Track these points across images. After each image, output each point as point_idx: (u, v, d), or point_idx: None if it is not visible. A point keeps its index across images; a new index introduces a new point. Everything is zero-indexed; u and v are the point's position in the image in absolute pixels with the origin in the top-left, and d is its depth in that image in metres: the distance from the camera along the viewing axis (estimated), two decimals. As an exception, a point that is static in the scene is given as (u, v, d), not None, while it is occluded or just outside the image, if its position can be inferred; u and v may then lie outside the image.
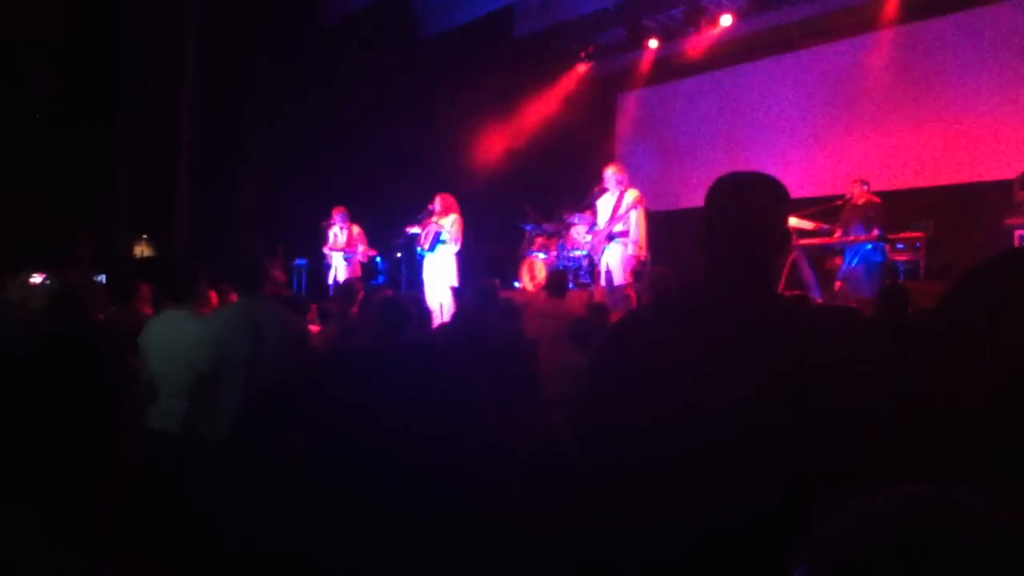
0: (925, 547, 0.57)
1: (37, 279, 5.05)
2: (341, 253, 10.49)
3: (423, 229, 9.22)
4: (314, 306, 7.44)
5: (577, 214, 10.02)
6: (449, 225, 8.91)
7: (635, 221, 8.29)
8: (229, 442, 3.46)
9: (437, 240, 9.00)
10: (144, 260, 11.48)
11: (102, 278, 7.75)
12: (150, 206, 11.48)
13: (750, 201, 1.71)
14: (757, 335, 1.56)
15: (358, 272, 10.36)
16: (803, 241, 8.68)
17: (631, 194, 8.32)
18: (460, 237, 8.94)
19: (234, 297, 5.78)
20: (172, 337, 3.81)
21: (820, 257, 8.97)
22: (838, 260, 8.76)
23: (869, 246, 8.39)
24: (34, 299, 4.69)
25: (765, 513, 1.40)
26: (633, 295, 8.27)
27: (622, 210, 8.31)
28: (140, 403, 3.31)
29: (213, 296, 6.43)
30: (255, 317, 3.66)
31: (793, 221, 8.22)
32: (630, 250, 8.30)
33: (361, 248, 10.46)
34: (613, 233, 8.37)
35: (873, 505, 0.62)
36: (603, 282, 8.54)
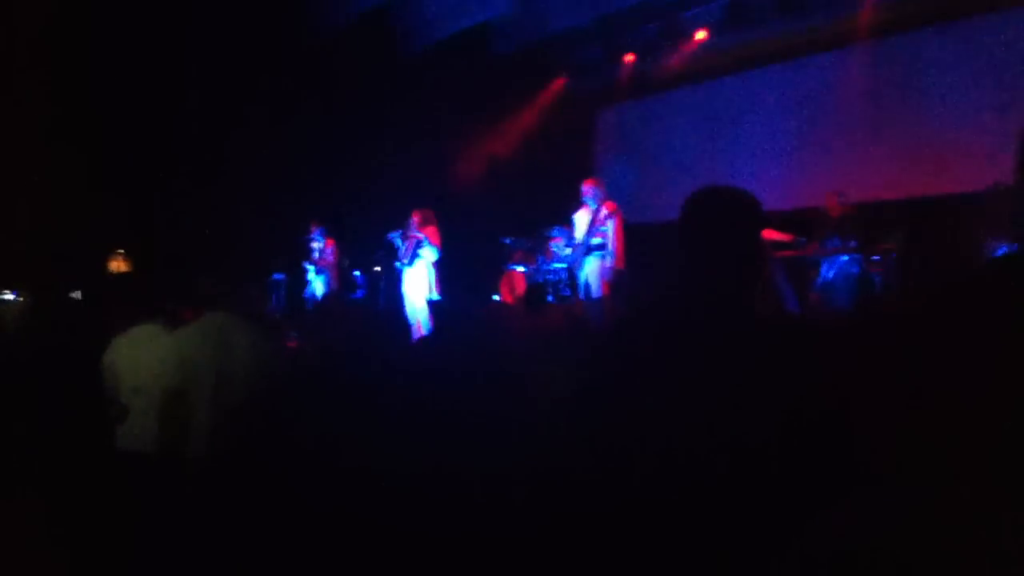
0: (909, 547, 0.57)
1: (9, 296, 4.99)
2: (313, 267, 10.54)
3: (403, 243, 9.30)
4: (284, 321, 7.40)
5: (556, 228, 10.06)
6: (427, 239, 8.98)
7: (612, 234, 8.35)
8: (207, 458, 3.42)
9: (416, 254, 9.05)
10: (120, 276, 11.35)
11: (77, 294, 7.66)
12: (127, 221, 11.38)
13: (724, 215, 1.73)
14: (731, 348, 1.56)
15: (334, 286, 10.38)
16: (779, 253, 8.74)
17: (607, 207, 8.39)
18: (439, 248, 9.01)
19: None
20: (143, 352, 3.76)
21: (796, 270, 9.03)
22: (814, 272, 8.83)
23: (845, 258, 8.46)
24: (6, 316, 4.64)
25: (753, 516, 1.41)
26: (611, 308, 8.30)
27: (599, 223, 8.38)
28: (112, 419, 3.27)
29: (188, 313, 6.37)
30: (222, 333, 3.61)
31: (769, 233, 8.28)
32: (608, 263, 8.35)
33: (331, 260, 10.52)
34: (591, 246, 8.43)
35: (855, 507, 0.62)
36: (582, 295, 8.58)
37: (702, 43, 11.75)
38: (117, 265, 11.46)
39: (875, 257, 8.63)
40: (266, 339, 3.86)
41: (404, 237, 9.29)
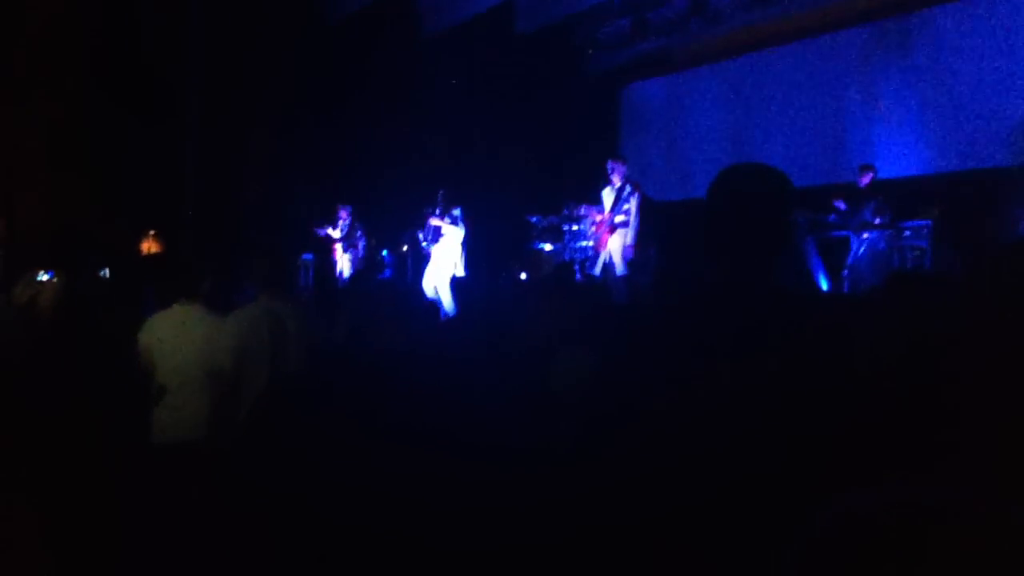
0: (912, 543, 0.57)
1: (44, 277, 5.06)
2: (341, 245, 10.63)
3: (428, 224, 9.38)
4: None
5: (583, 206, 10.04)
6: (452, 220, 9.07)
7: (634, 211, 8.43)
8: (242, 441, 3.42)
9: (439, 233, 9.16)
10: (151, 257, 11.48)
11: (106, 272, 7.77)
12: (156, 202, 11.49)
13: (753, 193, 1.71)
14: (761, 328, 1.55)
15: (361, 265, 10.47)
16: (810, 230, 8.66)
17: (630, 185, 8.46)
18: (464, 227, 9.11)
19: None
20: (185, 333, 3.74)
21: (827, 246, 8.94)
22: (845, 248, 8.74)
23: (876, 234, 8.36)
24: (42, 297, 4.71)
25: (775, 508, 1.40)
26: (632, 286, 8.37)
27: (623, 201, 8.45)
28: (148, 400, 3.28)
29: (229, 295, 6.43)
30: (277, 316, 3.60)
31: (799, 210, 8.21)
32: (629, 240, 8.42)
33: (362, 243, 10.59)
34: (615, 224, 8.49)
35: (866, 500, 0.62)
36: (602, 272, 8.68)
37: (729, 19, 11.59)
38: (148, 246, 11.58)
39: (906, 233, 8.53)
40: (312, 320, 3.81)
41: (431, 218, 9.37)
